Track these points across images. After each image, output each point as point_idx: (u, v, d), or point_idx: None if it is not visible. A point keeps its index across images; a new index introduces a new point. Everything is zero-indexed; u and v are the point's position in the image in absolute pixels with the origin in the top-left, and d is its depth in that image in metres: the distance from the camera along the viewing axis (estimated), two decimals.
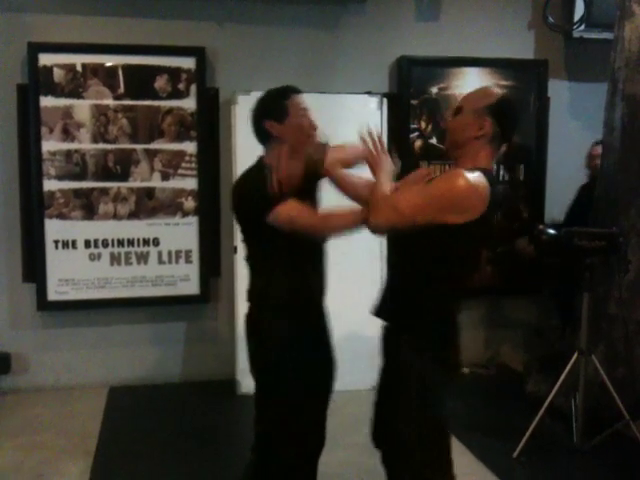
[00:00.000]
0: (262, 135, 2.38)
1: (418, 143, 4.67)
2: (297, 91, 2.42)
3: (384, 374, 2.34)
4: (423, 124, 4.67)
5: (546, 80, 4.84)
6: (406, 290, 2.22)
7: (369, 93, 4.43)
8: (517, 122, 2.29)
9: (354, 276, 4.29)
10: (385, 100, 4.47)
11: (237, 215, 2.42)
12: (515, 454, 3.40)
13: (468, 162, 2.14)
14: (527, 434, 3.42)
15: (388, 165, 2.27)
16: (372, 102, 4.42)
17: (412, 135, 4.65)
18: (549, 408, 3.46)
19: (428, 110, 4.65)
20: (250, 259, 2.45)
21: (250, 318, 2.45)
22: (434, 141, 4.68)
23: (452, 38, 4.70)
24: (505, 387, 4.44)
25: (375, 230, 2.14)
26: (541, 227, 3.79)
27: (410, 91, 4.63)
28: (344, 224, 2.29)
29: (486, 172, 2.11)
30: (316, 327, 2.50)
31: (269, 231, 2.27)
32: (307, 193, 2.40)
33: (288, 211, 2.24)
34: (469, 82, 4.69)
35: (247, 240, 2.44)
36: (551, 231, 3.66)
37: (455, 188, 2.03)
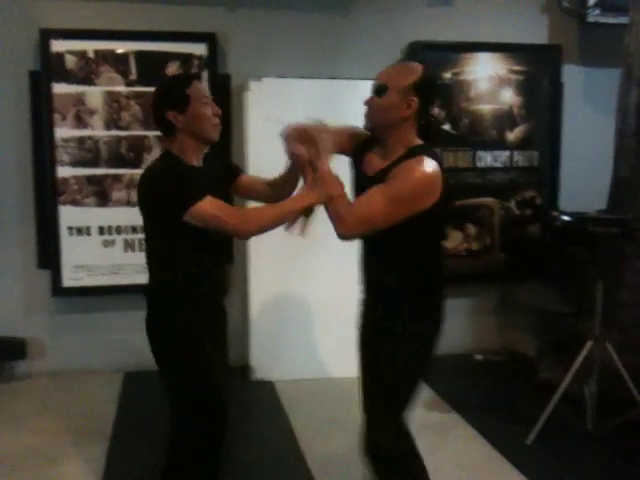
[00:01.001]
0: (165, 127, 2.27)
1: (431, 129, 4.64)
2: (197, 78, 2.36)
3: (369, 350, 2.40)
4: (436, 110, 4.64)
5: (560, 65, 4.80)
6: (388, 275, 2.28)
7: None
8: (438, 97, 2.33)
9: (355, 267, 4.29)
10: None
11: (146, 209, 2.28)
12: (529, 441, 3.41)
13: (399, 142, 2.19)
14: (541, 420, 3.42)
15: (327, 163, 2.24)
16: None
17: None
18: (562, 394, 3.46)
19: (441, 96, 4.60)
20: (152, 253, 2.36)
21: (153, 314, 2.36)
22: (447, 127, 4.66)
23: (465, 23, 4.66)
24: (517, 373, 4.43)
25: (346, 240, 2.18)
26: (555, 213, 3.78)
27: None
28: (266, 222, 2.23)
29: (426, 148, 2.19)
30: (215, 324, 2.44)
31: (177, 227, 2.17)
32: (223, 192, 2.36)
33: (213, 210, 2.15)
34: (482, 67, 4.68)
35: (151, 234, 2.33)
36: (565, 217, 3.64)
37: (419, 180, 2.10)
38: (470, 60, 4.66)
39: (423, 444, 3.41)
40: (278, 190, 2.45)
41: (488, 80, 4.70)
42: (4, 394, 4.14)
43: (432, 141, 2.32)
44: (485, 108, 4.70)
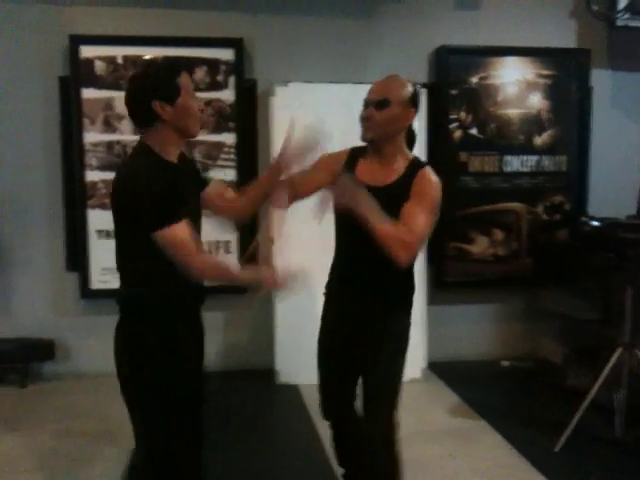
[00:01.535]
0: (146, 117, 2.06)
1: (457, 134, 4.63)
2: (185, 68, 2.16)
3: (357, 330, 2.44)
4: (463, 114, 4.62)
5: (588, 69, 4.75)
6: (376, 263, 2.28)
7: None
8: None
9: None
10: (424, 90, 4.43)
11: (123, 213, 2.06)
12: (556, 448, 3.37)
13: (396, 152, 2.34)
14: (569, 428, 3.38)
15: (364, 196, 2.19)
16: None
17: (451, 125, 4.61)
18: (590, 401, 3.41)
19: (468, 100, 4.61)
20: (126, 262, 2.15)
21: (124, 329, 2.17)
22: (474, 131, 4.63)
23: (492, 27, 4.64)
24: (544, 380, 4.39)
25: (405, 264, 2.22)
26: (583, 218, 3.73)
27: (449, 81, 4.59)
28: (217, 276, 2.16)
29: (418, 158, 2.40)
30: (193, 335, 2.29)
31: (139, 236, 2.01)
32: (197, 198, 2.24)
33: (179, 243, 1.98)
34: (510, 71, 4.65)
35: (128, 240, 2.11)
36: (594, 223, 3.60)
37: (437, 187, 2.30)
38: (497, 64, 4.64)
39: (447, 450, 3.43)
40: (249, 200, 2.37)
41: (515, 84, 4.67)
42: (32, 395, 4.19)
43: (413, 147, 2.46)
44: (512, 112, 4.67)
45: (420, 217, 2.22)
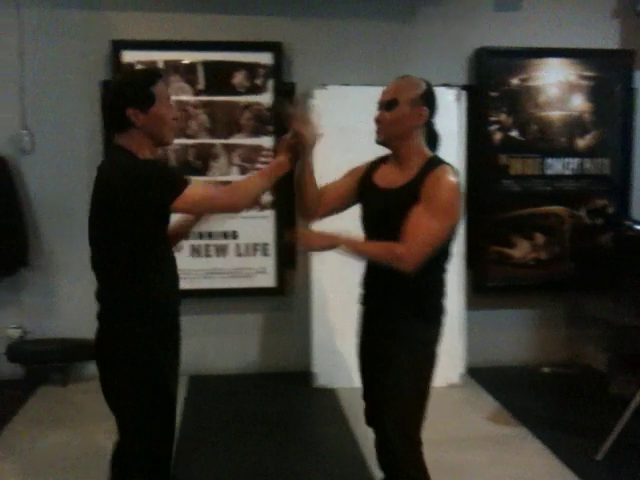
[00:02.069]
0: (120, 123, 2.10)
1: (498, 136, 4.58)
2: (161, 76, 2.20)
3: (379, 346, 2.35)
4: (503, 116, 4.57)
5: (632, 70, 4.66)
6: (404, 281, 2.21)
7: (447, 85, 4.37)
8: (438, 103, 2.34)
9: None
10: (464, 92, 4.40)
11: (110, 213, 2.08)
12: (599, 456, 3.30)
13: (412, 152, 2.29)
14: (612, 436, 3.30)
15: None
16: (450, 94, 4.36)
17: (491, 128, 4.57)
18: (634, 410, 3.34)
19: (508, 102, 4.56)
20: (103, 263, 2.20)
21: (105, 331, 2.22)
22: (515, 134, 4.58)
23: (533, 28, 4.58)
24: (587, 387, 4.30)
25: (411, 271, 2.14)
26: (627, 222, 3.66)
27: (490, 83, 4.54)
28: (255, 192, 2.18)
29: (440, 158, 2.29)
30: (170, 336, 2.27)
31: (142, 235, 2.07)
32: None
33: (203, 191, 2.10)
34: (551, 73, 4.59)
35: (102, 242, 2.16)
36: (637, 226, 3.53)
37: (451, 190, 2.19)
38: (538, 66, 4.58)
39: (487, 457, 3.38)
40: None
41: (557, 86, 4.60)
42: (74, 395, 4.26)
43: (436, 147, 2.39)
44: (554, 114, 4.60)
45: (421, 221, 2.15)
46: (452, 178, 2.20)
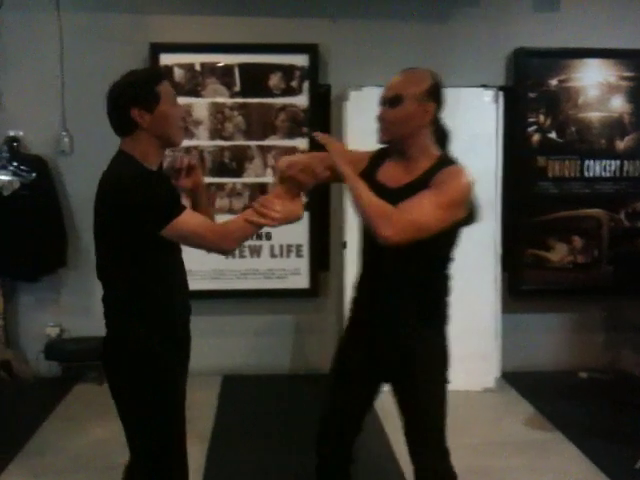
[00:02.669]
0: (125, 125, 2.04)
1: (536, 137, 4.52)
2: (165, 76, 2.13)
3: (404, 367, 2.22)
4: (542, 117, 4.51)
5: None
6: (416, 288, 2.14)
7: (484, 86, 4.33)
8: (445, 97, 2.18)
9: (469, 275, 4.21)
10: (501, 93, 4.36)
11: (110, 223, 2.07)
12: (638, 465, 3.23)
13: (420, 151, 2.13)
14: None
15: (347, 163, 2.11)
16: (487, 95, 4.32)
17: (529, 129, 4.51)
18: None
19: (547, 103, 4.50)
20: (110, 271, 2.15)
21: (114, 340, 2.19)
22: (553, 135, 4.52)
23: (572, 28, 4.51)
24: (625, 393, 4.22)
25: (389, 244, 1.98)
26: None
27: (528, 84, 4.49)
28: (243, 235, 2.06)
29: (453, 159, 2.14)
30: (181, 345, 2.28)
31: (148, 243, 2.00)
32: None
33: (194, 225, 1.98)
34: (590, 74, 4.52)
35: (109, 250, 2.12)
36: None
37: (464, 185, 2.05)
38: (578, 66, 4.51)
39: (523, 462, 3.34)
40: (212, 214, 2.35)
41: (597, 87, 4.53)
42: (104, 396, 4.31)
43: (446, 145, 2.22)
44: (593, 116, 4.53)
45: (422, 202, 1.99)
46: (465, 178, 2.06)
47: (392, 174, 2.17)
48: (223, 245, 2.04)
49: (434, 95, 2.12)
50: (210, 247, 2.06)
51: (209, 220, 2.11)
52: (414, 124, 2.10)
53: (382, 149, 2.27)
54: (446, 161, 2.12)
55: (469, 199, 2.08)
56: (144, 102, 2.01)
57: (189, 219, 1.98)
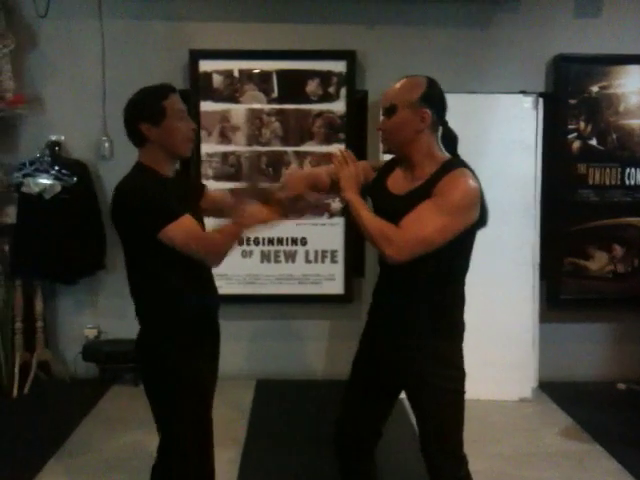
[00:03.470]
0: (137, 138, 2.20)
1: (576, 144, 4.46)
2: (174, 90, 2.23)
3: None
4: (582, 124, 4.45)
5: None
6: (422, 299, 2.15)
7: (524, 93, 4.29)
8: (446, 101, 2.19)
9: (506, 283, 4.17)
10: (541, 100, 4.31)
11: (121, 228, 2.19)
12: None
13: (424, 157, 2.14)
14: None
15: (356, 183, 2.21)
16: (527, 102, 4.27)
17: (570, 136, 4.45)
18: None
19: (587, 110, 4.44)
20: (137, 275, 2.28)
21: (145, 341, 2.35)
22: (594, 142, 4.45)
23: (614, 34, 4.45)
24: None
25: (397, 263, 2.04)
26: None
27: (568, 90, 4.44)
28: (231, 245, 2.19)
29: (460, 161, 2.14)
30: (212, 345, 2.45)
31: (160, 244, 2.09)
32: (195, 207, 2.32)
33: (186, 233, 2.09)
34: (632, 80, 4.45)
35: (132, 254, 2.23)
36: None
37: (468, 191, 2.04)
38: (619, 73, 4.45)
39: (560, 474, 3.29)
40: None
41: (638, 94, 4.46)
42: (140, 397, 4.35)
43: (454, 148, 2.22)
44: (635, 123, 4.46)
45: (423, 215, 2.01)
46: (470, 181, 2.05)
47: (399, 181, 2.21)
48: (212, 259, 2.17)
49: (429, 101, 2.14)
50: (200, 258, 2.16)
51: (201, 231, 2.20)
52: (411, 130, 2.13)
53: (394, 157, 2.32)
54: (451, 165, 2.12)
55: (476, 201, 2.07)
56: (151, 117, 2.15)
57: (183, 228, 2.08)
